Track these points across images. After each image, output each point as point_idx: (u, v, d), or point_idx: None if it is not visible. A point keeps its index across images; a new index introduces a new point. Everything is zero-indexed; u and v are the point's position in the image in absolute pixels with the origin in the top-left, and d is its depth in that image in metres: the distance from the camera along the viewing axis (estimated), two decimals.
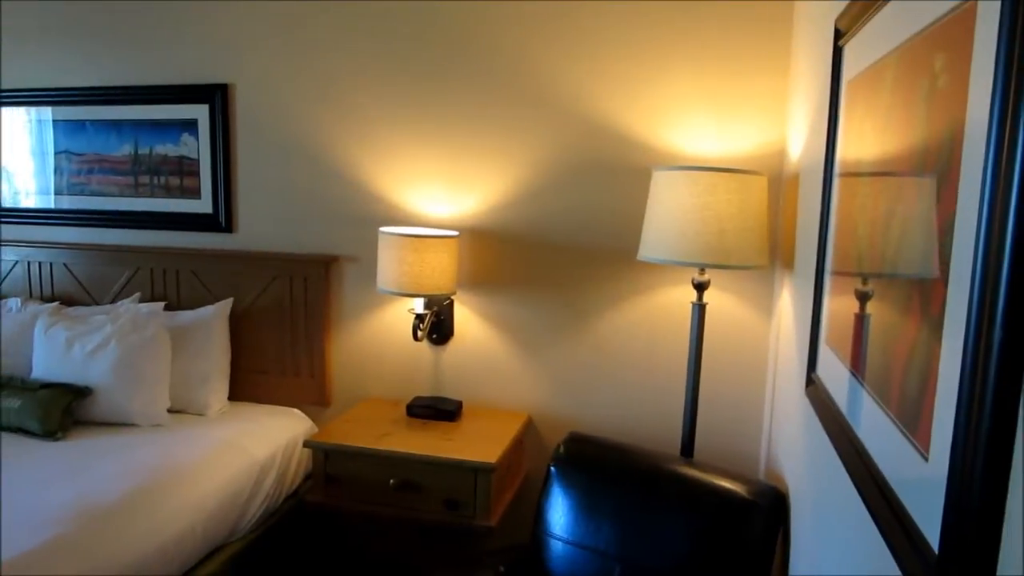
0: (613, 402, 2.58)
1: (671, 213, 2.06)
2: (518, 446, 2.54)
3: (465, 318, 2.69)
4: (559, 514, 2.07)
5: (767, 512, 1.80)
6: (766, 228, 2.10)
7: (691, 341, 2.20)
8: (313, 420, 2.82)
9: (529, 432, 2.65)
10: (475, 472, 2.22)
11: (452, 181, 2.64)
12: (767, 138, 2.35)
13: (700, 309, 2.19)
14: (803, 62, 2.03)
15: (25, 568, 1.70)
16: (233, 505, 2.29)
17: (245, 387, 2.89)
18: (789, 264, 2.09)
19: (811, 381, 1.52)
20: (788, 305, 2.07)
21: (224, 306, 2.81)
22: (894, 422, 0.92)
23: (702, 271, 2.17)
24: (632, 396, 2.56)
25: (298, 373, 2.84)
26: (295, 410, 2.81)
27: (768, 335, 2.41)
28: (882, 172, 1.08)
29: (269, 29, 2.76)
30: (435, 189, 2.66)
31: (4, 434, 2.44)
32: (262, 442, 2.51)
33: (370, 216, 2.73)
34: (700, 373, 2.21)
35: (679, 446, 2.27)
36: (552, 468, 2.12)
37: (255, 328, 2.86)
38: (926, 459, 0.79)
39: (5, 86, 3.12)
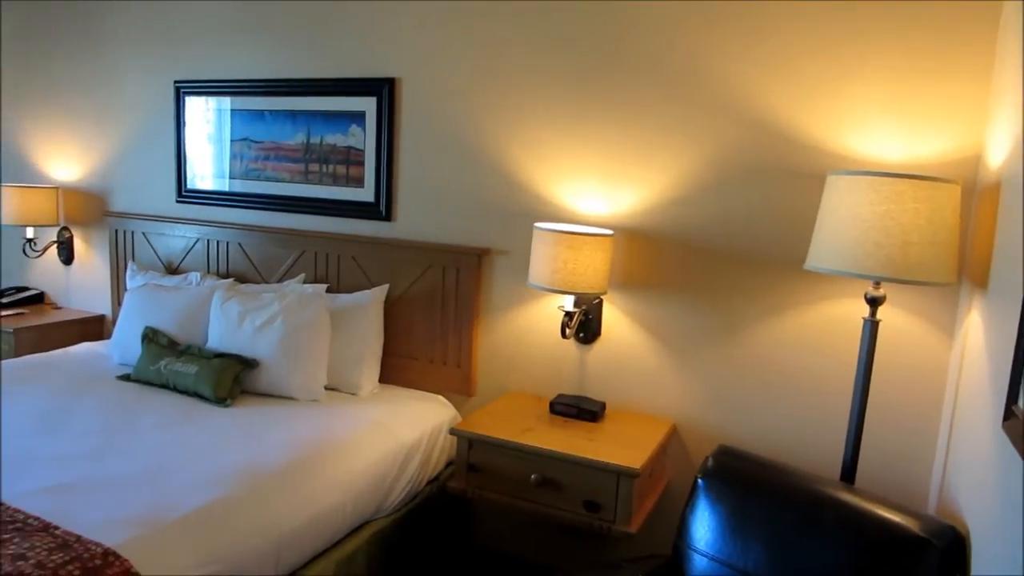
0: (766, 417, 2.45)
1: (848, 221, 1.92)
2: (661, 454, 2.47)
3: (614, 318, 2.65)
4: (704, 529, 1.99)
5: (943, 553, 1.64)
6: (956, 242, 1.91)
7: (860, 359, 2.05)
8: (456, 408, 2.88)
9: (673, 440, 2.58)
10: (618, 476, 2.18)
11: (608, 179, 2.61)
12: (959, 144, 2.14)
13: (872, 326, 2.03)
14: (1014, 62, 1.83)
15: (197, 522, 1.83)
16: (380, 484, 2.38)
17: (394, 371, 2.99)
18: (982, 283, 1.89)
19: (1011, 414, 1.36)
20: (978, 328, 1.88)
21: (380, 291, 2.92)
22: None
23: (877, 285, 2.01)
24: (788, 413, 2.42)
25: (445, 361, 2.91)
26: (440, 397, 2.88)
27: (948, 359, 2.21)
28: None
29: (436, 26, 2.83)
30: (590, 186, 2.64)
31: (181, 397, 2.66)
32: (409, 426, 2.59)
33: (523, 210, 2.74)
34: (868, 394, 2.06)
35: (838, 471, 2.13)
36: (700, 480, 2.04)
37: (407, 314, 2.95)
38: None
39: (192, 77, 3.40)
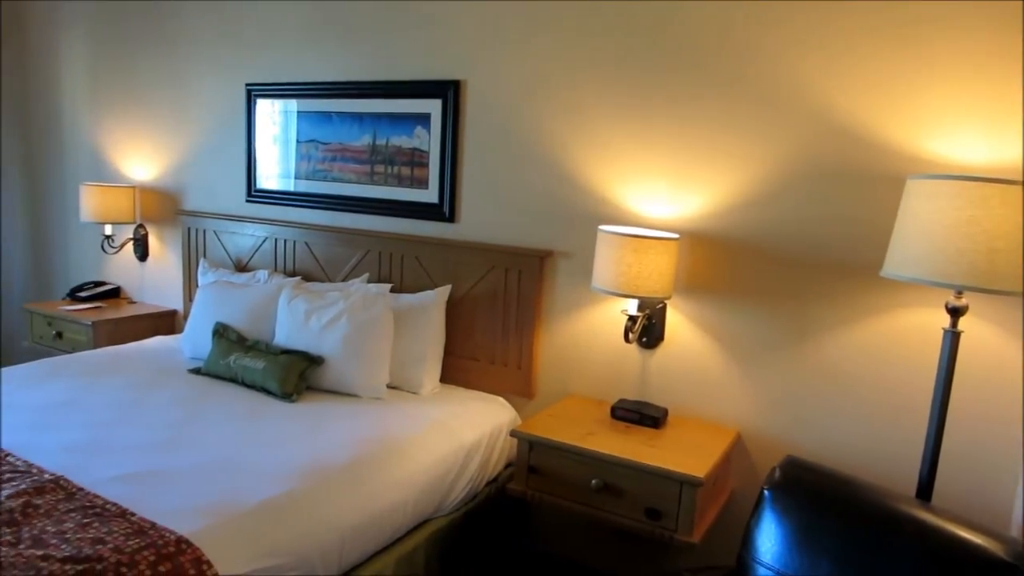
0: (836, 429, 2.37)
1: (928, 227, 1.84)
2: (725, 463, 2.42)
3: (677, 323, 2.61)
4: (770, 542, 1.93)
5: None
6: None
7: (939, 372, 1.97)
8: (516, 410, 2.87)
9: (737, 449, 2.52)
10: (681, 484, 2.14)
11: (675, 181, 2.57)
12: None
13: (953, 337, 1.95)
14: None
15: (265, 513, 1.87)
16: (441, 484, 2.39)
17: (454, 371, 3.00)
18: None
19: None
20: None
21: (443, 292, 2.94)
22: None
23: (959, 294, 1.93)
24: (860, 425, 2.34)
25: (506, 363, 2.91)
26: (500, 398, 2.88)
27: None
28: None
29: (500, 29, 2.84)
30: (656, 189, 2.60)
31: (249, 391, 2.73)
32: (470, 426, 2.60)
33: (586, 213, 2.73)
34: (948, 408, 1.97)
35: (914, 487, 2.05)
36: (766, 491, 1.98)
37: (469, 315, 2.97)
38: None
39: (263, 80, 3.48)
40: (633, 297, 2.44)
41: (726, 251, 2.50)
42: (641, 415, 2.50)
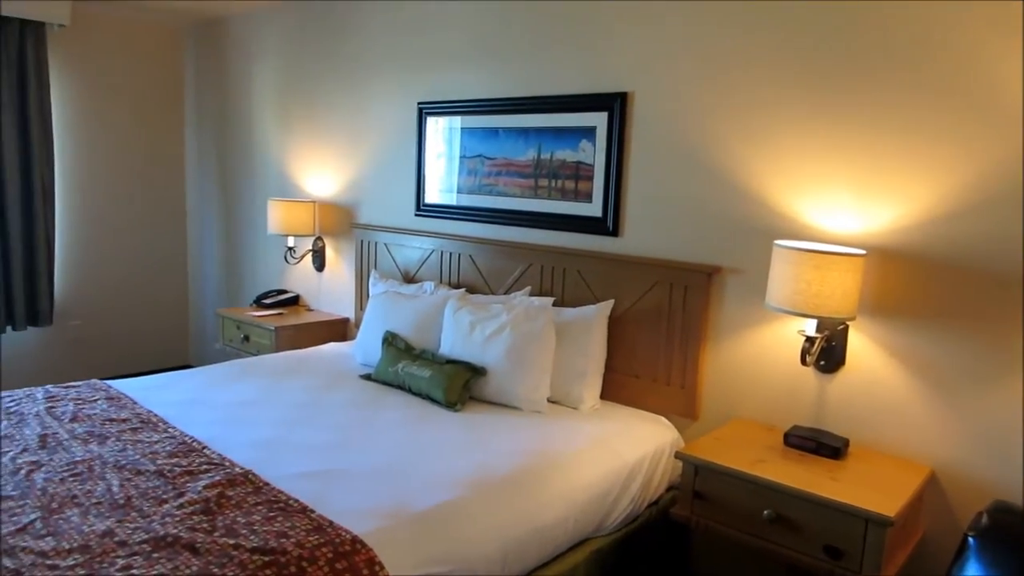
0: None
1: None
2: (917, 502, 2.19)
3: (861, 346, 2.40)
4: None
5: None
6: None
7: None
8: (679, 431, 2.77)
9: (930, 488, 2.28)
10: (867, 522, 1.96)
11: (861, 192, 2.37)
12: None
13: None
14: None
15: (432, 520, 1.91)
16: (602, 502, 2.34)
17: (614, 388, 2.94)
18: None
19: None
20: None
21: (605, 307, 2.90)
22: None
23: None
24: None
25: (669, 382, 2.81)
26: (663, 418, 2.79)
27: None
28: None
29: (669, 38, 2.77)
30: (839, 200, 2.42)
31: (415, 398, 2.81)
32: (631, 445, 2.53)
33: (760, 227, 2.59)
34: None
35: None
36: (970, 538, 1.77)
37: (631, 331, 2.90)
38: None
39: (433, 98, 3.61)
40: (812, 317, 2.28)
41: (921, 268, 2.28)
42: (818, 444, 2.33)
